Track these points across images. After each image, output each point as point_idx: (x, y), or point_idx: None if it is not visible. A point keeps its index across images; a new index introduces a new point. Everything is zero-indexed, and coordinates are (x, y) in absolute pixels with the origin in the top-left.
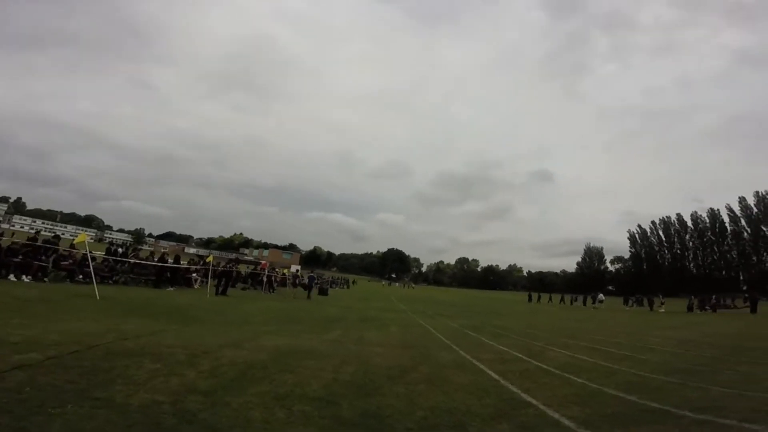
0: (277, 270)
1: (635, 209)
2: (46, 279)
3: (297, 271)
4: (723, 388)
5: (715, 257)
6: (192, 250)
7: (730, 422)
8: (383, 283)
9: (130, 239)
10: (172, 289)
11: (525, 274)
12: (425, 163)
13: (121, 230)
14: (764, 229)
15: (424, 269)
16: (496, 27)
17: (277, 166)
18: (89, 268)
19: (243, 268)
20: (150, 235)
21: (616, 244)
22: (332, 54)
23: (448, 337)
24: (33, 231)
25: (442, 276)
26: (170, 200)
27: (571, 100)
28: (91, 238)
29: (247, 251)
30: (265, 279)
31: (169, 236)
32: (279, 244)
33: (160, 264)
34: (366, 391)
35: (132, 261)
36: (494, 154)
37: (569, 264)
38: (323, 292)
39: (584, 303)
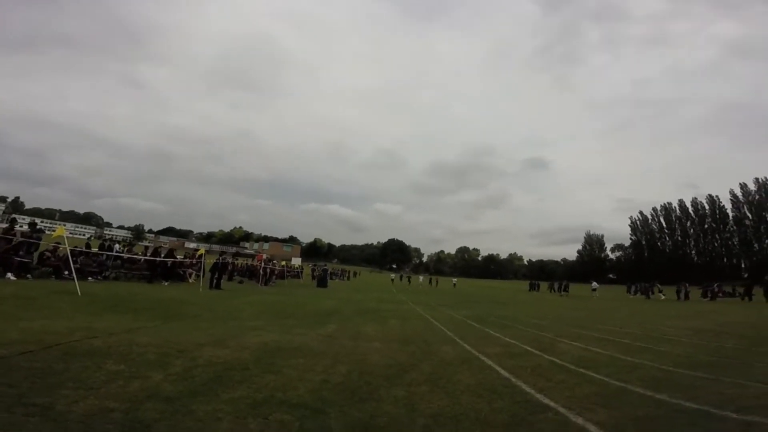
0: (275, 262)
1: (630, 196)
2: (29, 276)
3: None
4: (761, 383)
5: (716, 244)
6: (192, 245)
7: None
8: (393, 276)
9: (130, 235)
10: (166, 284)
11: (525, 262)
12: (419, 153)
13: (121, 227)
14: (766, 215)
15: (425, 259)
16: (490, 21)
17: (272, 159)
18: (77, 263)
19: (242, 262)
20: (150, 231)
21: (612, 232)
22: (329, 51)
23: (451, 330)
24: (22, 226)
25: (442, 266)
26: (168, 196)
27: (563, 91)
28: (91, 235)
29: (247, 245)
30: (261, 272)
31: (168, 232)
32: (279, 237)
33: (151, 258)
34: (360, 395)
35: (124, 256)
36: (488, 144)
37: (568, 252)
38: (322, 283)
39: (554, 290)
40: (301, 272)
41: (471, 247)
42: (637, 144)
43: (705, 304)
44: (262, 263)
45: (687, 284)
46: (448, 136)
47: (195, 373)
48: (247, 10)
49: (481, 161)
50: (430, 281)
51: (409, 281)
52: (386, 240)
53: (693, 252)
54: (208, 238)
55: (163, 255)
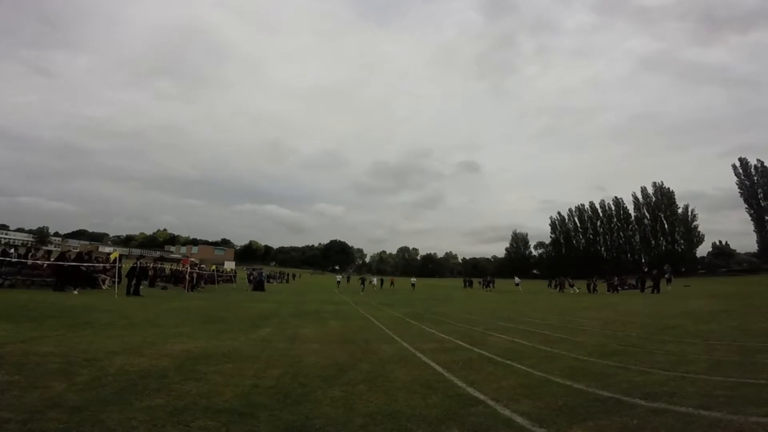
0: (203, 267)
1: (551, 198)
2: None
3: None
4: (663, 371)
5: (621, 242)
6: (108, 249)
7: (687, 410)
8: (338, 277)
9: (31, 239)
10: (75, 291)
11: (460, 260)
12: (361, 153)
13: (20, 229)
14: (661, 215)
15: (367, 260)
16: (438, 26)
17: (203, 156)
18: None
19: (166, 267)
20: (57, 234)
21: (536, 230)
22: (274, 45)
23: (390, 328)
24: None
25: (384, 266)
26: (79, 195)
27: (498, 97)
28: None
29: (173, 248)
30: (187, 276)
31: (80, 235)
32: (210, 240)
33: (56, 263)
34: (294, 397)
35: (28, 262)
36: (427, 145)
37: (498, 250)
38: (259, 286)
39: (486, 286)
40: (235, 276)
41: (411, 247)
42: (558, 149)
43: (610, 297)
44: (188, 267)
45: (595, 278)
46: (389, 137)
47: (105, 382)
48: None
49: (420, 163)
50: (381, 283)
51: (363, 284)
52: (328, 241)
53: (602, 249)
54: (126, 241)
55: (71, 259)
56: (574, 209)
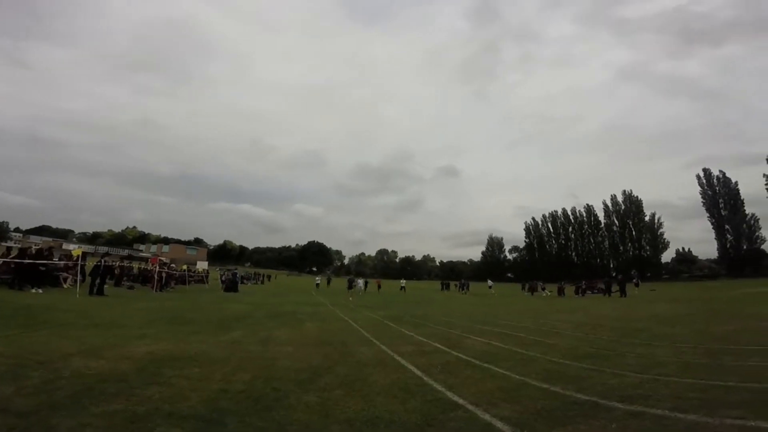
0: (173, 266)
1: (526, 204)
2: None
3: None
4: (636, 373)
5: (591, 247)
6: (72, 246)
7: (663, 412)
8: (317, 279)
9: None
10: (35, 290)
11: (438, 263)
12: (343, 154)
13: None
14: (629, 223)
15: (346, 261)
16: (427, 31)
17: (179, 153)
18: None
19: (134, 265)
20: (17, 230)
21: (511, 235)
22: (260, 42)
23: (368, 330)
24: None
25: (363, 267)
26: (45, 190)
27: (480, 103)
28: None
29: (143, 247)
30: (155, 276)
31: (43, 231)
32: (183, 239)
33: (13, 260)
34: (265, 403)
35: None
36: (411, 148)
37: (474, 253)
38: (232, 287)
39: (461, 289)
40: (207, 277)
41: (390, 249)
42: (535, 156)
43: (579, 300)
44: (158, 267)
45: (563, 282)
46: (373, 139)
47: (58, 386)
48: None
49: (403, 166)
50: (366, 285)
51: (351, 287)
52: (306, 242)
53: (573, 254)
54: (93, 239)
55: (32, 256)
56: (547, 215)
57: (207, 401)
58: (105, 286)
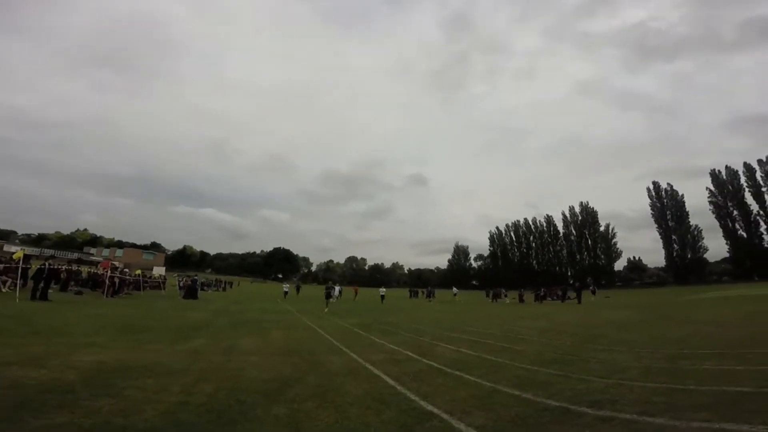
0: (126, 271)
1: (490, 212)
2: None
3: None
4: (601, 378)
5: (550, 256)
6: (14, 248)
7: (631, 416)
8: (286, 286)
9: None
10: None
11: (406, 271)
12: (312, 160)
13: None
14: (586, 233)
15: (314, 268)
16: (401, 39)
17: (138, 153)
18: None
19: (83, 270)
20: None
21: (476, 243)
22: (230, 42)
23: (338, 339)
24: None
25: (332, 275)
26: None
27: (448, 112)
28: None
29: (94, 251)
30: (107, 281)
31: None
32: (139, 243)
33: None
34: (230, 416)
35: None
36: (381, 156)
37: (441, 261)
38: (191, 294)
39: (427, 296)
40: (164, 283)
41: (359, 257)
42: (499, 166)
43: (538, 307)
44: (108, 271)
45: (522, 290)
46: (343, 146)
47: None
48: None
49: (373, 173)
50: (340, 293)
51: (329, 295)
52: (272, 248)
53: (534, 262)
54: (38, 240)
55: None
56: (510, 224)
57: (164, 414)
58: (50, 291)
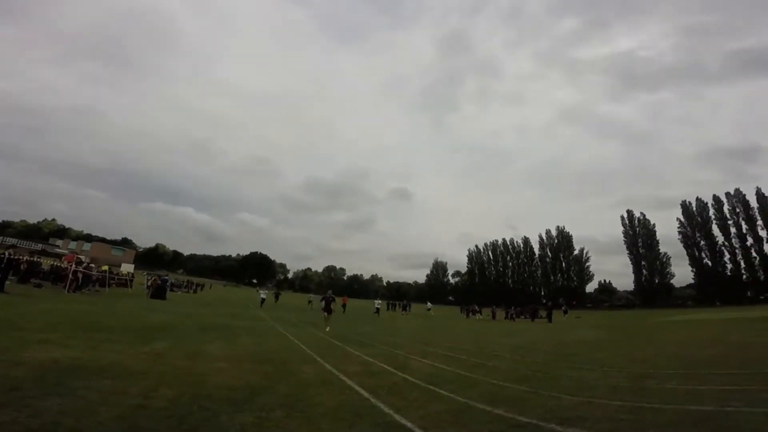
0: (92, 266)
1: (470, 231)
2: None
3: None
4: (570, 395)
5: (526, 275)
6: None
7: None
8: (263, 293)
9: None
10: None
11: (385, 283)
12: (297, 167)
13: None
14: (560, 255)
15: (290, 275)
16: (395, 54)
17: (117, 145)
18: None
19: (45, 262)
20: None
21: (455, 260)
22: (226, 43)
23: (312, 348)
24: None
25: (309, 283)
26: None
27: (436, 131)
28: None
29: (60, 242)
30: (70, 275)
31: None
32: (108, 238)
33: None
34: (191, 422)
35: None
36: (365, 168)
37: (419, 275)
38: (159, 294)
39: (403, 309)
40: (132, 281)
41: (338, 266)
42: (481, 186)
43: (511, 324)
44: (72, 265)
45: (494, 307)
46: (329, 155)
47: None
48: None
49: (356, 184)
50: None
51: (329, 309)
52: (248, 252)
53: (510, 281)
54: (2, 228)
55: None
56: (489, 243)
57: (120, 418)
58: (7, 283)
